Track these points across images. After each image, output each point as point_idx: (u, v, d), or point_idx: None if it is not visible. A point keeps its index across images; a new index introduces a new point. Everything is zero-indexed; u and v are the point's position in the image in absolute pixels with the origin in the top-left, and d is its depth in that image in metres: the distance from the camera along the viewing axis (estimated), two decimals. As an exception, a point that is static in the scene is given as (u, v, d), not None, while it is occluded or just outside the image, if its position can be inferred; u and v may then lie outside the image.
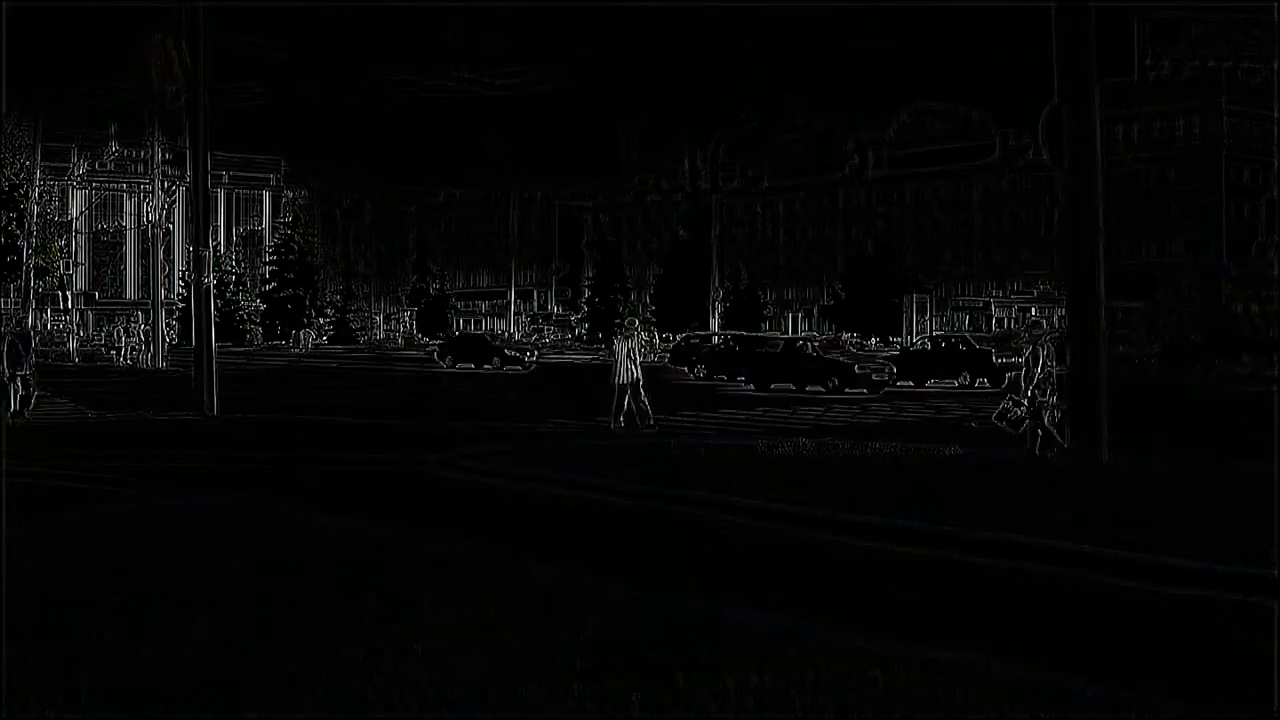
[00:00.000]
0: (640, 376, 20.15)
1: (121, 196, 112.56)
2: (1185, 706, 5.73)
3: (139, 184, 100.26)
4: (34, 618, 6.82)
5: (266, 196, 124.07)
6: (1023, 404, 15.95)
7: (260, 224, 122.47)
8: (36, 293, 62.03)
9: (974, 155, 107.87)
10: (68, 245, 75.92)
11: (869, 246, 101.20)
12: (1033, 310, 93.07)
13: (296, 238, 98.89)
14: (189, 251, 37.92)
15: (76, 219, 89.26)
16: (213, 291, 27.10)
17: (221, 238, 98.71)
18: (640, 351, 20.03)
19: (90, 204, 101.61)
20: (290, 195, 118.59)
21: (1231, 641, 7.23)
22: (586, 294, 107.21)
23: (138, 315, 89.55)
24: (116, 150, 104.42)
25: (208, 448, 18.75)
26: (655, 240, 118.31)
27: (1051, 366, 16.02)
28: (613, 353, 20.49)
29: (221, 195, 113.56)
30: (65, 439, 20.05)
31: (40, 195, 62.02)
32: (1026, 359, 16.49)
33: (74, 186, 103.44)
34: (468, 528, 11.04)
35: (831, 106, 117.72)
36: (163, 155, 58.54)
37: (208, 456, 17.46)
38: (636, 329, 22.05)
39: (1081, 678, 5.93)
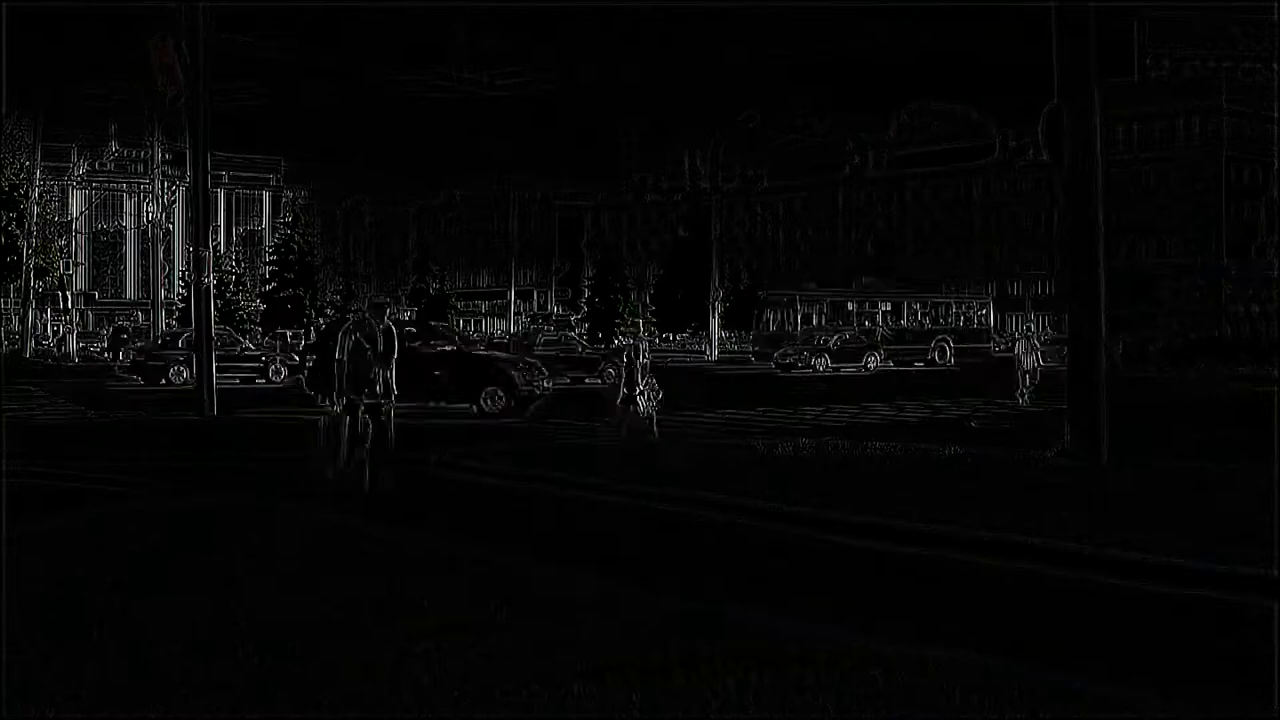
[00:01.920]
0: (1042, 365, 26.96)
1: (121, 196, 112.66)
2: (1185, 706, 5.73)
3: (139, 184, 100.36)
4: (34, 618, 6.82)
5: (266, 196, 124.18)
6: (638, 398, 18.68)
7: (260, 224, 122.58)
8: (36, 293, 62.04)
9: (974, 155, 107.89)
10: (68, 245, 75.91)
11: (869, 246, 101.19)
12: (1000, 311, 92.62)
13: (296, 238, 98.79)
14: (189, 251, 37.92)
15: (76, 219, 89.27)
16: (213, 291, 27.10)
17: (221, 238, 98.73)
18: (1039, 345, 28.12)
19: (90, 204, 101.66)
20: (290, 195, 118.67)
21: (1231, 641, 7.23)
22: (586, 294, 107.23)
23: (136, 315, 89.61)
24: (116, 150, 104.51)
25: (208, 447, 18.75)
26: (655, 240, 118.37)
27: (645, 362, 18.97)
28: (1017, 347, 27.84)
29: (221, 195, 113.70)
30: (65, 439, 20.06)
31: (40, 195, 62.03)
32: (625, 358, 19.13)
33: (74, 186, 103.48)
34: (468, 528, 11.04)
35: (831, 106, 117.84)
36: (163, 155, 58.54)
37: (208, 456, 17.47)
38: (1031, 332, 29.89)
39: (1081, 678, 5.93)
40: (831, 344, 49.87)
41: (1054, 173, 16.44)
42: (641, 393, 18.69)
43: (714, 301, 67.25)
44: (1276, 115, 74.76)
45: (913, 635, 6.68)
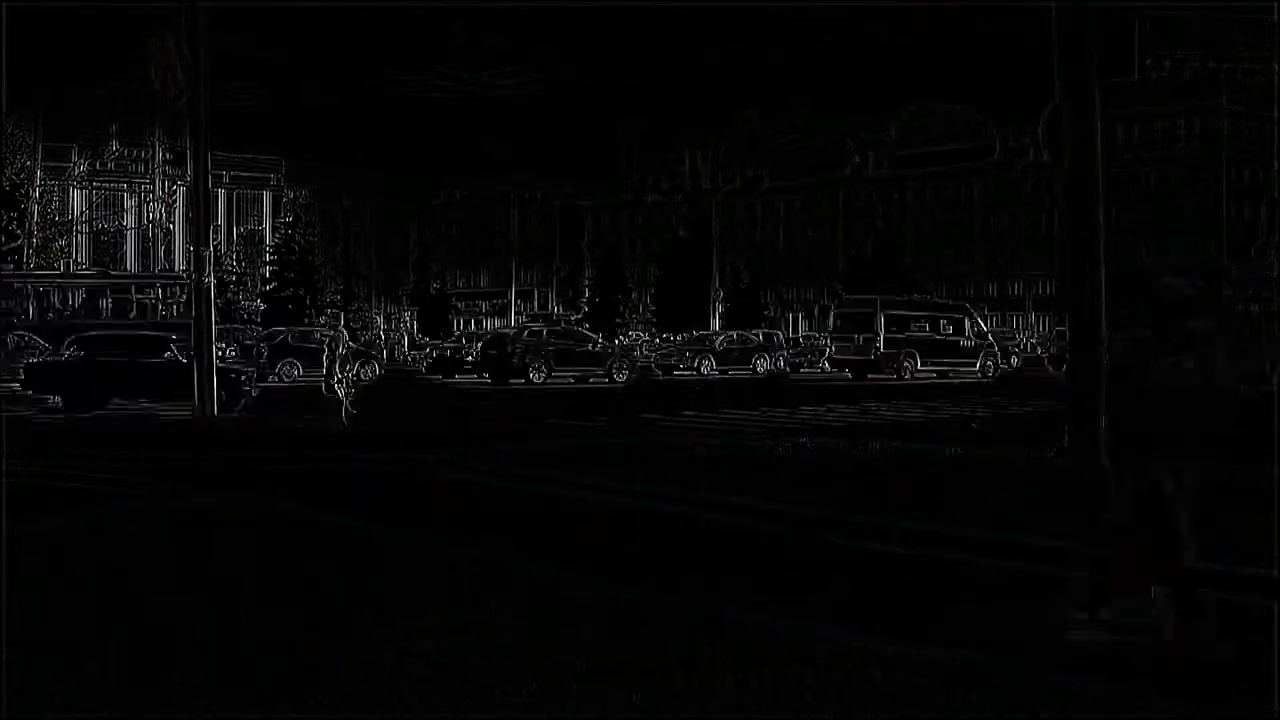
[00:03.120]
0: None
1: (122, 196, 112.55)
2: (1185, 706, 5.73)
3: (139, 184, 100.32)
4: (34, 618, 6.82)
5: (266, 196, 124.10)
6: (335, 382, 21.84)
7: (260, 224, 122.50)
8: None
9: (974, 155, 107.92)
10: (68, 245, 75.94)
11: (869, 246, 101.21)
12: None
13: (297, 238, 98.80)
14: (189, 251, 37.89)
15: (77, 219, 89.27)
16: (213, 291, 27.07)
17: (221, 238, 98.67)
18: None
19: (91, 204, 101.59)
20: (290, 195, 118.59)
21: (1231, 641, 7.22)
22: (587, 294, 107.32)
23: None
24: (117, 150, 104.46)
25: (208, 448, 18.76)
26: (655, 240, 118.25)
27: (345, 352, 22.26)
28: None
29: (221, 195, 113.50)
30: (65, 439, 20.05)
31: (41, 195, 62.12)
32: (329, 347, 22.70)
33: (74, 186, 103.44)
34: (468, 528, 11.04)
35: (831, 106, 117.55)
36: (163, 155, 58.60)
37: (208, 456, 17.48)
38: None
39: (1081, 678, 5.94)
40: (718, 345, 50.52)
41: (1054, 173, 16.45)
42: (340, 381, 21.45)
43: (714, 302, 67.25)
44: (1276, 115, 74.73)
45: (913, 635, 6.69)
